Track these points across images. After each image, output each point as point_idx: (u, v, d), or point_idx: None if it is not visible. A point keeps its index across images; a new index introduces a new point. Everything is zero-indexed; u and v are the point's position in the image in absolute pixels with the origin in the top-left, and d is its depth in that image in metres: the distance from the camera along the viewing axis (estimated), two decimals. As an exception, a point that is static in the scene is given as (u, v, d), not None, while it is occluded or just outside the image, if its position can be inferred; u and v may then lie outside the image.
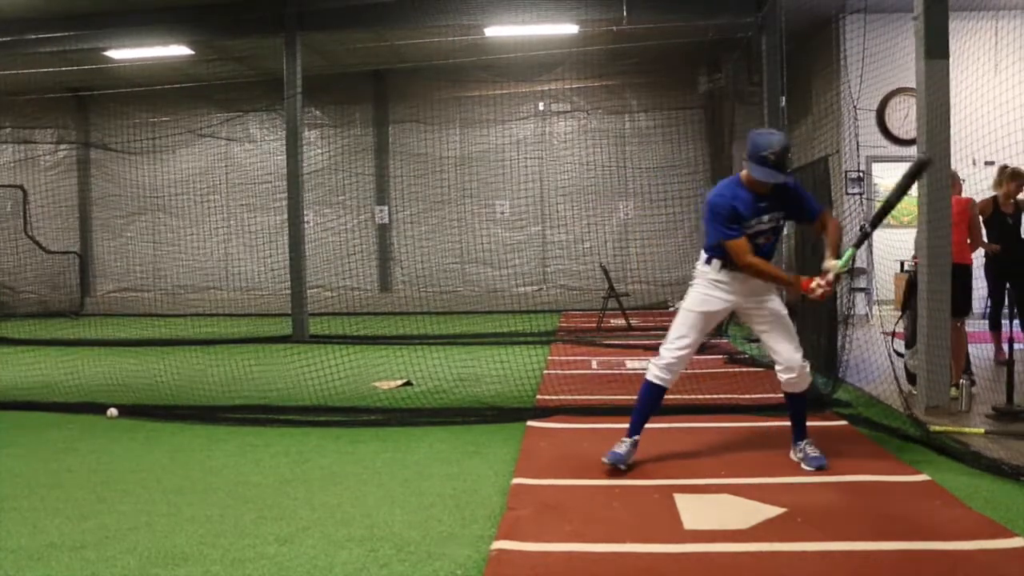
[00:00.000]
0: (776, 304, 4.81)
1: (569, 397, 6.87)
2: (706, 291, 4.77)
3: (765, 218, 4.65)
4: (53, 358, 9.41)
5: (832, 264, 4.56)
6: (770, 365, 8.39)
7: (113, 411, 6.56)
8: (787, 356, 4.73)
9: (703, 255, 4.81)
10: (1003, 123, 6.34)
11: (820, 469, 4.66)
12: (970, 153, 9.42)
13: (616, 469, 4.68)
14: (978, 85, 7.24)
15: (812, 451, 4.78)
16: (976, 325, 7.85)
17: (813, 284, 4.52)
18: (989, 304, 7.85)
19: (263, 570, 3.42)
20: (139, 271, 17.65)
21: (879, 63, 9.19)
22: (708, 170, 14.79)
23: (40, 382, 8.15)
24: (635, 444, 4.80)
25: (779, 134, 4.69)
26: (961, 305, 6.43)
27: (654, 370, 4.78)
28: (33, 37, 12.44)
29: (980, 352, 7.13)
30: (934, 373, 6.08)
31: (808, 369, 4.82)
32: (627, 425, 4.88)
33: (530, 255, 16.83)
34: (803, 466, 4.74)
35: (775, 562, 3.42)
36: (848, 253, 4.62)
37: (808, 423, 5.02)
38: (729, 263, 4.68)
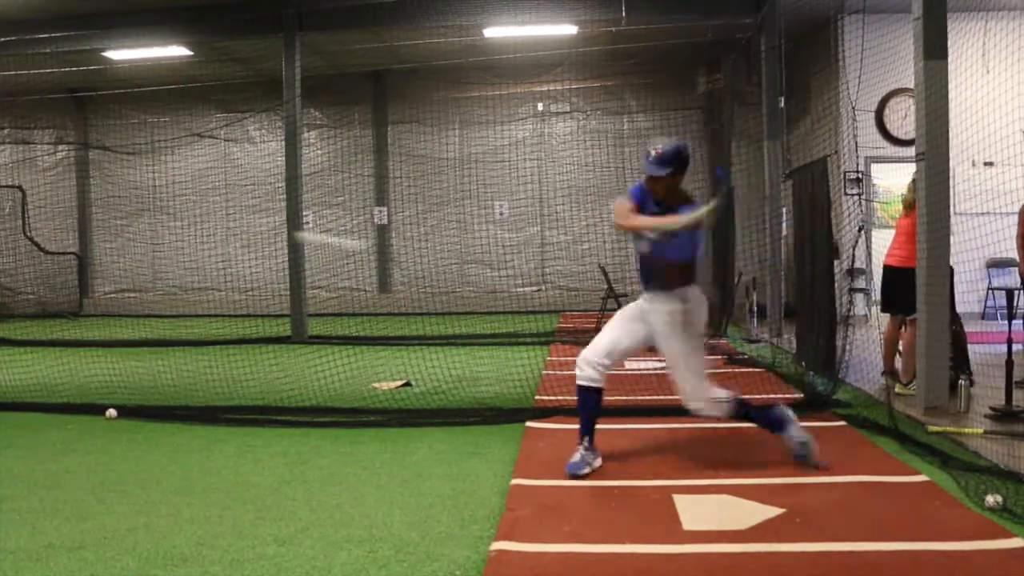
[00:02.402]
0: (683, 340, 4.72)
1: (568, 398, 6.83)
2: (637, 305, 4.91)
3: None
4: (52, 359, 9.41)
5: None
6: (769, 366, 8.42)
7: (112, 412, 6.55)
8: (686, 393, 4.76)
9: None
10: (1002, 124, 6.35)
11: (802, 460, 4.70)
12: (969, 154, 9.44)
13: (577, 476, 4.65)
14: (977, 86, 7.25)
15: (797, 436, 4.78)
16: (977, 325, 7.85)
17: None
18: None
19: (262, 571, 3.42)
20: (138, 272, 17.65)
21: (878, 63, 9.19)
22: (706, 171, 14.80)
23: (39, 383, 8.14)
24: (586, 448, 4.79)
25: (674, 141, 4.78)
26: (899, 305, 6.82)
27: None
28: (33, 37, 12.44)
29: (979, 352, 7.12)
30: (932, 373, 6.08)
31: (710, 406, 4.76)
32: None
33: (529, 256, 16.83)
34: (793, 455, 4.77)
35: (774, 563, 3.42)
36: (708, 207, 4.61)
37: (808, 423, 5.03)
38: (647, 280, 4.82)
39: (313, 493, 4.50)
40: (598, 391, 4.81)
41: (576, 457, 4.72)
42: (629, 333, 4.84)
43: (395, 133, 17.05)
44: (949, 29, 6.14)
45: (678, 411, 5.86)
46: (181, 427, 6.23)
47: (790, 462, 4.84)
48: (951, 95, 6.18)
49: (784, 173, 10.47)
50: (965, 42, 8.62)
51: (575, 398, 6.79)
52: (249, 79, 15.31)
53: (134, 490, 4.61)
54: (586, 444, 4.77)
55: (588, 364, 4.80)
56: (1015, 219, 7.30)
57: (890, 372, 6.98)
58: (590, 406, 4.82)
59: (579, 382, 4.81)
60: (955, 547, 3.53)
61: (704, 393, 4.74)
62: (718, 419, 4.86)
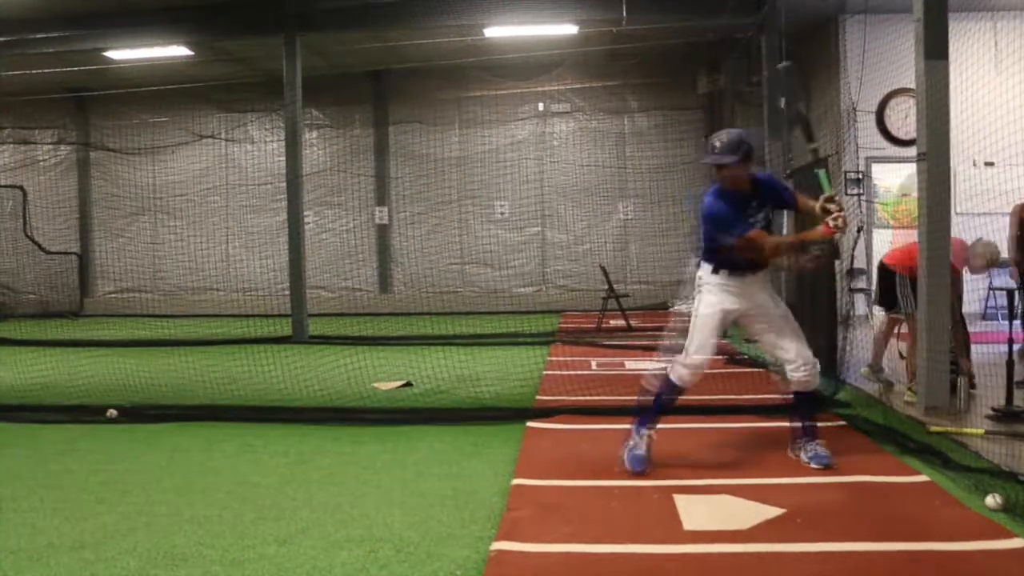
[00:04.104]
0: (781, 305, 4.89)
1: (569, 398, 6.87)
2: (718, 296, 4.81)
3: (759, 216, 4.76)
4: (53, 359, 9.40)
5: (821, 199, 4.64)
6: (769, 365, 8.41)
7: (112, 412, 6.55)
8: (797, 352, 4.76)
9: (707, 266, 4.84)
10: (1003, 124, 6.35)
11: (826, 467, 4.68)
12: (970, 154, 9.42)
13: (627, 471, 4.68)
14: (978, 86, 7.24)
15: (822, 450, 4.81)
16: (977, 325, 7.84)
17: (829, 222, 4.57)
18: None
19: (262, 571, 3.42)
20: (139, 272, 17.65)
21: (879, 63, 9.19)
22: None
23: (40, 383, 8.14)
24: (651, 438, 4.81)
25: (734, 131, 4.78)
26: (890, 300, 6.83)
27: (681, 371, 4.82)
28: (33, 37, 12.44)
29: (979, 352, 7.12)
30: (933, 373, 6.08)
31: (817, 367, 4.86)
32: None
33: (530, 256, 16.83)
34: (811, 463, 4.75)
35: (775, 563, 3.42)
36: (821, 176, 4.81)
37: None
38: (736, 267, 4.74)
39: (313, 493, 4.50)
40: (682, 391, 4.91)
41: (641, 450, 4.75)
42: (719, 328, 4.87)
43: (395, 133, 17.04)
44: (956, 29, 6.15)
45: (678, 411, 5.87)
46: (182, 426, 6.22)
47: (791, 462, 4.84)
48: (957, 95, 6.18)
49: (785, 173, 10.46)
50: (973, 42, 8.63)
51: (575, 398, 6.86)
52: (249, 79, 15.31)
53: (134, 490, 4.61)
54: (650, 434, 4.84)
55: (686, 366, 4.82)
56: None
57: (874, 367, 7.02)
58: (668, 402, 4.93)
59: (672, 378, 4.85)
60: (955, 547, 3.53)
61: (811, 354, 4.80)
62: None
